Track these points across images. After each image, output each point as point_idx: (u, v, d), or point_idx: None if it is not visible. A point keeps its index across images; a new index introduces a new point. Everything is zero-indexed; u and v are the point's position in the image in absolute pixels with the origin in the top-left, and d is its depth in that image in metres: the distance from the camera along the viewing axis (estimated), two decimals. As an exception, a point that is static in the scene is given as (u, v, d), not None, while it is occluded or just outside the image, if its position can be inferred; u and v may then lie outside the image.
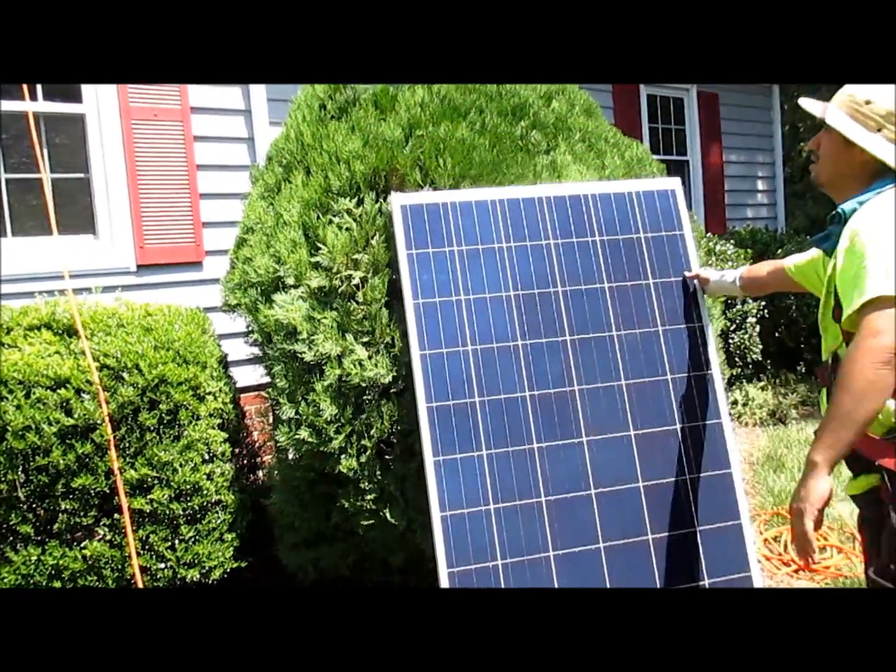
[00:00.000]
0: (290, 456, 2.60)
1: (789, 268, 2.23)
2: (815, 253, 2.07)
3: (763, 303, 6.29)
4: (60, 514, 2.62)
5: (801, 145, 14.86)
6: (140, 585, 2.64)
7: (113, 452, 2.62)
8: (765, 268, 2.38)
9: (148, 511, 2.70)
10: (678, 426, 2.44)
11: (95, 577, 2.68)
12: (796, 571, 3.43)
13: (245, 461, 3.31)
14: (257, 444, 3.54)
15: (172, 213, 4.35)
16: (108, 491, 2.64)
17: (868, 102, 1.68)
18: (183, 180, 4.37)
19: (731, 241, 6.50)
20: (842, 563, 3.45)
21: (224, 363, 3.15)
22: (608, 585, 2.30)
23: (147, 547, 2.74)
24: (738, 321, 5.97)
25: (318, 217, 2.54)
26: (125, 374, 2.66)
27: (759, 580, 2.41)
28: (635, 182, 2.68)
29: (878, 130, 1.68)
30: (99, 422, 2.60)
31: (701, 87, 8.00)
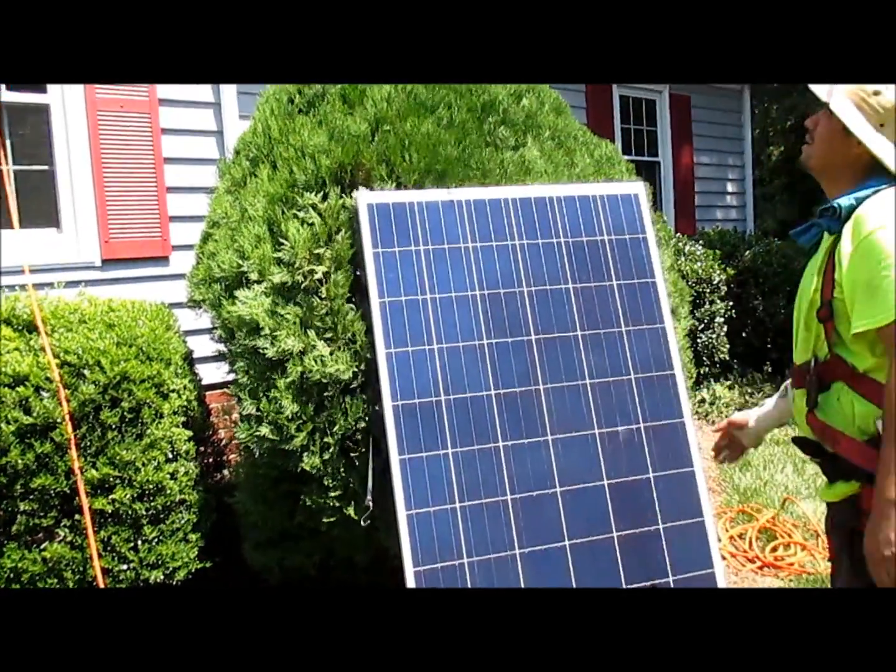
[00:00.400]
0: (254, 453, 2.58)
1: None
2: None
3: (731, 303, 6.38)
4: (19, 516, 2.56)
5: (770, 149, 15.09)
6: (101, 587, 2.60)
7: (73, 452, 2.57)
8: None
9: (110, 511, 2.66)
10: (641, 425, 2.46)
11: (56, 580, 2.63)
12: (760, 568, 3.48)
13: (210, 460, 3.27)
14: (223, 443, 3.50)
15: (139, 206, 4.28)
16: (68, 491, 2.60)
17: (877, 93, 1.61)
18: (150, 174, 4.31)
19: (700, 242, 6.57)
20: (805, 559, 3.50)
21: (189, 360, 3.11)
22: (574, 583, 2.31)
23: (109, 548, 2.69)
24: (706, 321, 6.04)
25: (283, 212, 2.52)
26: (86, 371, 2.61)
27: (723, 577, 2.44)
28: (600, 185, 2.70)
29: (881, 126, 1.61)
30: (59, 420, 2.55)
31: (673, 89, 8.08)
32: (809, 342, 1.72)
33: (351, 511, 2.43)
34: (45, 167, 4.10)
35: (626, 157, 3.44)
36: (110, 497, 2.64)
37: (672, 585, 2.37)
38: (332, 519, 2.49)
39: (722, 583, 2.42)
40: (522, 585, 2.27)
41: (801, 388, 1.74)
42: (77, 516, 2.62)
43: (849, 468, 1.62)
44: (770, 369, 6.70)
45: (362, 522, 2.38)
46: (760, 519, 3.85)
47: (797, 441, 1.82)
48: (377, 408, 2.37)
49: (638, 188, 2.70)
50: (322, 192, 2.52)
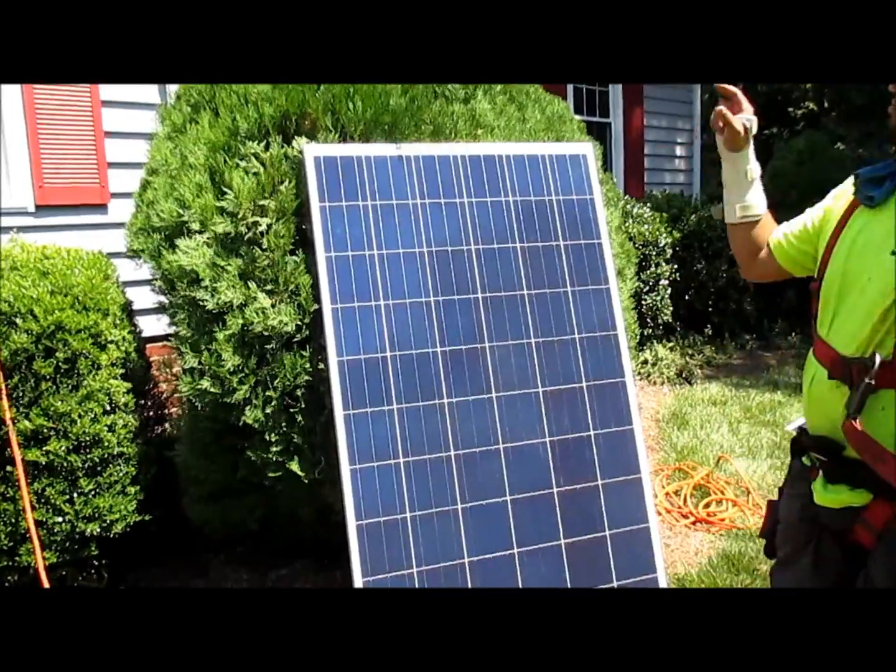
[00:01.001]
0: (196, 407, 2.54)
1: (773, 244, 1.74)
2: (804, 224, 1.69)
3: (675, 266, 6.49)
4: (-53, 467, 2.49)
5: (719, 113, 15.21)
6: (35, 540, 2.55)
7: (4, 402, 2.49)
8: (765, 231, 1.78)
9: (44, 463, 2.60)
10: (584, 384, 2.50)
11: (-14, 531, 2.58)
12: (694, 524, 3.61)
13: (151, 413, 3.21)
14: (164, 396, 3.44)
15: (75, 151, 4.10)
16: (-1, 442, 2.53)
17: None
18: (87, 117, 4.12)
19: (648, 205, 6.64)
20: (736, 515, 3.65)
21: (128, 311, 3.02)
22: (514, 536, 2.35)
23: (43, 500, 2.64)
24: (651, 283, 6.14)
25: (226, 160, 2.44)
26: (18, 320, 2.52)
27: (657, 532, 2.52)
28: (549, 145, 2.69)
29: None
30: (-11, 370, 2.47)
31: (626, 50, 8.05)
32: (877, 335, 1.41)
33: (294, 466, 2.42)
34: (-27, 105, 3.89)
35: (578, 117, 3.43)
36: (44, 448, 2.58)
37: (609, 539, 2.44)
38: (276, 474, 2.48)
39: (656, 537, 2.50)
40: (464, 540, 2.30)
41: (836, 381, 1.47)
42: (9, 468, 2.55)
43: (861, 477, 1.44)
44: (710, 332, 6.88)
45: (304, 479, 2.38)
46: (695, 476, 3.98)
47: (809, 441, 1.58)
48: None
49: (586, 149, 2.70)
50: (265, 142, 2.45)
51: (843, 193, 1.60)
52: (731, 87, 1.67)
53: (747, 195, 1.76)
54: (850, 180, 1.57)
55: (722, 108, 1.67)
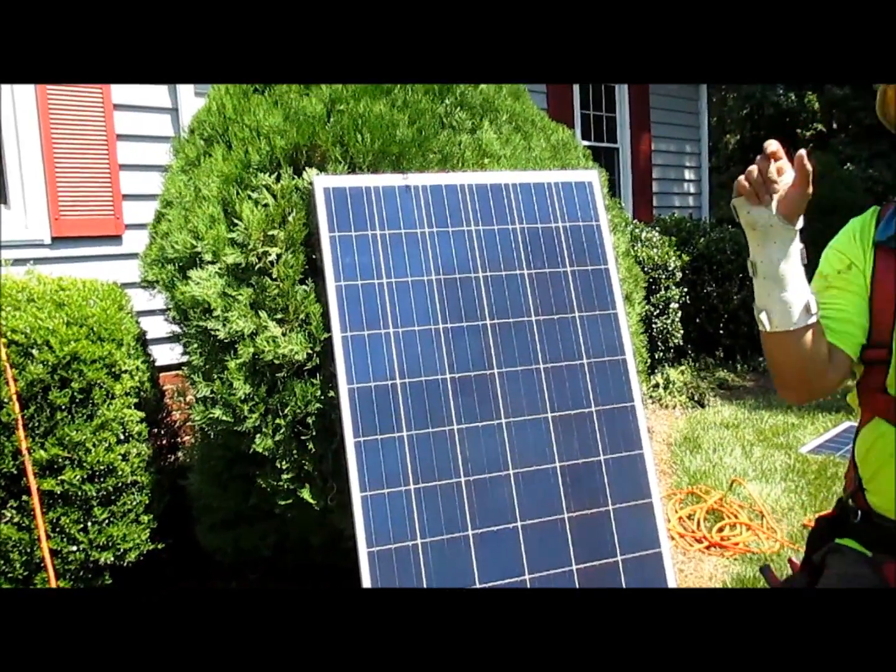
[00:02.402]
0: (209, 435, 2.57)
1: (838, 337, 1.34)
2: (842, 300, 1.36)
3: (685, 289, 6.50)
4: (-36, 496, 2.53)
5: (727, 137, 15.31)
6: (50, 569, 2.57)
7: (21, 432, 2.53)
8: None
9: (59, 492, 2.62)
10: (593, 409, 2.51)
11: (2, 561, 2.60)
12: (708, 548, 3.58)
13: (164, 441, 3.24)
14: (177, 424, 3.47)
15: (91, 183, 4.19)
16: (15, 472, 2.56)
17: None
18: (102, 150, 4.21)
19: (657, 229, 6.67)
20: (750, 539, 3.62)
21: (142, 341, 3.07)
22: (525, 562, 2.35)
23: (58, 529, 2.66)
24: (661, 307, 6.15)
25: (238, 192, 2.49)
26: (34, 351, 2.57)
27: (669, 557, 2.51)
28: (555, 173, 2.73)
29: None
30: (6, 400, 2.50)
31: (632, 76, 8.13)
32: None
33: (305, 493, 2.44)
34: (-8, 141, 3.99)
35: (585, 143, 3.49)
36: (59, 478, 2.61)
37: (621, 565, 2.44)
38: (287, 501, 2.50)
39: (669, 562, 2.49)
40: (475, 566, 2.31)
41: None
42: (25, 497, 2.58)
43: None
44: (722, 354, 6.86)
45: (315, 507, 2.39)
46: (709, 500, 3.96)
47: (878, 531, 1.34)
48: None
49: (592, 176, 2.74)
50: (276, 173, 2.51)
51: (849, 248, 1.38)
52: (775, 143, 1.20)
53: (810, 283, 1.30)
54: (852, 229, 1.39)
55: (769, 159, 1.18)
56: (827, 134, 15.83)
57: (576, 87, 7.59)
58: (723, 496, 4.02)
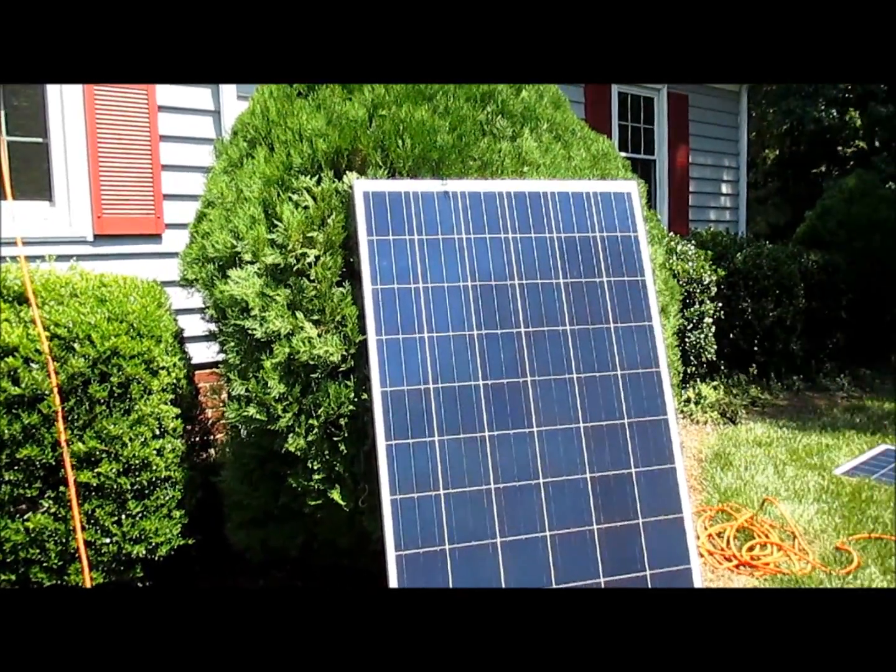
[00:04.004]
0: (241, 433, 2.59)
1: None
2: None
3: (720, 304, 6.43)
4: (3, 485, 2.57)
5: (765, 152, 15.14)
6: (84, 560, 2.61)
7: (60, 424, 2.58)
8: None
9: (94, 485, 2.67)
10: (626, 420, 2.49)
11: (38, 550, 2.64)
12: (737, 567, 3.53)
13: (198, 438, 3.28)
14: (211, 422, 3.51)
15: (133, 183, 4.27)
16: (53, 463, 2.60)
17: None
18: (145, 150, 4.29)
19: (693, 243, 6.61)
20: (781, 560, 3.55)
21: (179, 338, 3.11)
22: (552, 572, 2.34)
23: (92, 521, 2.70)
24: (694, 321, 6.09)
25: (279, 194, 2.52)
26: (76, 345, 2.62)
27: (699, 573, 2.48)
28: (594, 183, 2.72)
29: None
30: (47, 392, 2.56)
31: (672, 88, 8.09)
32: None
33: (335, 494, 2.45)
34: (40, 140, 4.08)
35: (622, 155, 3.46)
36: (96, 470, 2.65)
37: (649, 580, 2.41)
38: (316, 502, 2.51)
39: (698, 579, 2.46)
40: (502, 574, 2.30)
41: None
42: (62, 488, 2.63)
43: None
44: (756, 371, 6.76)
45: (345, 508, 2.40)
46: (739, 518, 3.90)
47: None
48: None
49: (631, 187, 2.72)
50: (317, 176, 2.53)
51: None
52: None
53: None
54: None
55: None
56: (868, 152, 15.56)
57: (614, 98, 7.57)
58: (754, 515, 3.96)
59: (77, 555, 2.64)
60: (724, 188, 9.22)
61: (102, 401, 2.66)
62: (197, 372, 3.39)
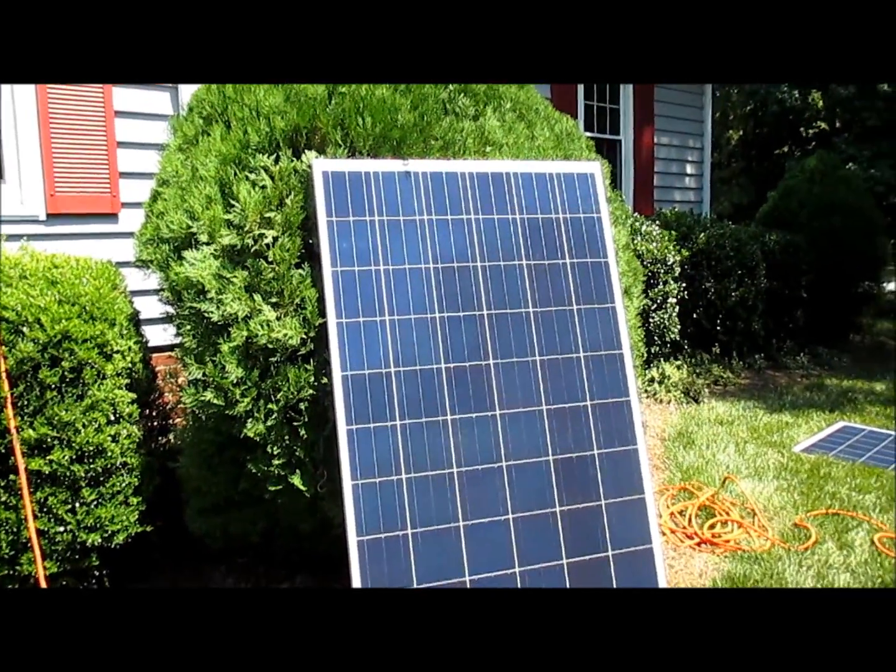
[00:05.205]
0: (200, 418, 2.54)
1: None
2: None
3: (683, 284, 6.47)
4: (-50, 474, 2.50)
5: (729, 132, 15.26)
6: (36, 549, 2.55)
7: (10, 410, 2.50)
8: None
9: (47, 472, 2.60)
10: (588, 402, 2.49)
11: (-12, 539, 2.58)
12: (699, 545, 3.57)
13: (155, 423, 3.21)
14: (169, 406, 3.44)
15: (87, 160, 4.14)
16: (3, 451, 2.53)
17: None
18: (100, 126, 4.16)
19: (657, 223, 6.63)
20: (741, 537, 3.61)
21: (135, 321, 3.03)
22: (515, 555, 2.34)
23: (45, 509, 2.63)
24: (658, 301, 6.12)
25: (235, 173, 2.46)
26: (25, 329, 2.53)
27: (661, 553, 2.50)
28: (557, 164, 2.69)
29: None
30: (-5, 378, 2.48)
31: (637, 68, 8.08)
32: None
33: (296, 480, 2.42)
34: (-12, 114, 3.93)
35: (588, 135, 3.44)
36: (48, 458, 2.58)
37: (612, 560, 2.42)
38: (277, 487, 2.47)
39: (660, 559, 2.48)
40: (465, 558, 2.29)
41: None
42: (12, 476, 2.55)
43: None
44: (718, 350, 6.85)
45: (306, 493, 2.37)
46: (701, 496, 3.95)
47: None
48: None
49: (594, 168, 2.70)
50: (275, 155, 2.47)
51: None
52: None
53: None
54: None
55: None
56: (830, 133, 15.78)
57: (580, 78, 7.53)
58: (715, 493, 4.01)
59: (30, 544, 2.57)
60: (689, 168, 9.27)
61: (53, 386, 2.58)
62: (155, 355, 3.31)
